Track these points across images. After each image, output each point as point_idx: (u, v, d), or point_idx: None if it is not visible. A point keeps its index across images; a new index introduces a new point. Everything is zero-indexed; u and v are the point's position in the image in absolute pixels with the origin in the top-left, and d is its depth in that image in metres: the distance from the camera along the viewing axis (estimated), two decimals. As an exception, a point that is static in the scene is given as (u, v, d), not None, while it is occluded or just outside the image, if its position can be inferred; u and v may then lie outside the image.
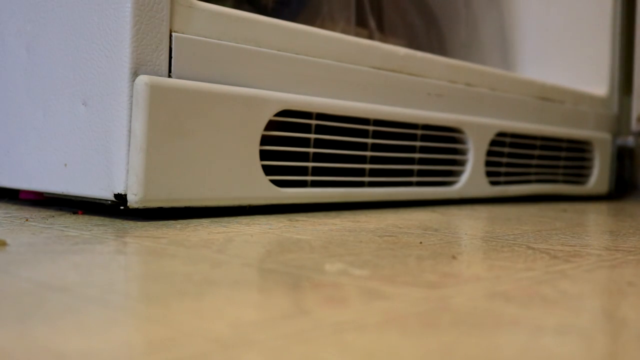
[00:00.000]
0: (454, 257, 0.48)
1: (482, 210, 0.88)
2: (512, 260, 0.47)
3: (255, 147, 0.70)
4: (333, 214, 0.74)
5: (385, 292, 0.35)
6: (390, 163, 0.89)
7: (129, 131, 0.60)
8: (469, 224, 0.72)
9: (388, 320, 0.30)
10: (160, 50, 0.62)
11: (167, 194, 0.62)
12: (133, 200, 0.60)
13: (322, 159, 0.80)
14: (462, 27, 1.32)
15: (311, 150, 0.77)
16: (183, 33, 0.64)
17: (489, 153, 1.04)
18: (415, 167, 0.91)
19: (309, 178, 0.77)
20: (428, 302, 0.34)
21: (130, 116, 0.60)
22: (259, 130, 0.70)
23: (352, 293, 0.35)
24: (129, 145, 0.60)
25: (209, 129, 0.65)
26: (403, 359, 0.25)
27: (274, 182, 0.73)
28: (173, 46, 0.63)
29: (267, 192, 0.71)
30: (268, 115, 0.71)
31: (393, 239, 0.55)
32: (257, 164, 0.70)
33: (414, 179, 0.92)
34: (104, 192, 0.62)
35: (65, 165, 0.65)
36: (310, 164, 0.77)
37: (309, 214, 0.72)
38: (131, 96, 0.60)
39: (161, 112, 0.61)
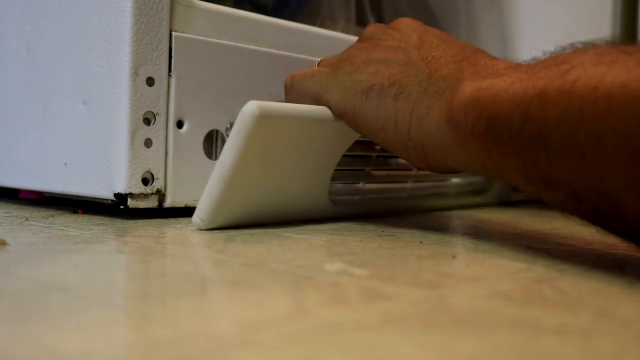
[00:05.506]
0: (454, 257, 0.48)
1: (482, 210, 0.88)
2: (512, 260, 0.47)
3: (255, 147, 0.69)
4: (333, 213, 0.74)
5: (385, 292, 0.35)
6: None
7: (129, 131, 0.60)
8: (469, 224, 0.72)
9: (388, 320, 0.30)
10: (160, 50, 0.62)
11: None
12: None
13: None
14: (462, 27, 1.32)
15: (311, 149, 0.77)
16: (183, 32, 0.64)
17: (489, 153, 1.04)
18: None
19: (309, 178, 0.77)
20: (428, 302, 0.34)
21: (130, 116, 0.60)
22: (259, 130, 0.70)
23: (352, 293, 0.35)
24: (128, 144, 0.60)
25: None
26: (403, 359, 0.25)
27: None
28: (173, 46, 0.63)
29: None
30: (268, 114, 0.71)
31: (393, 239, 0.55)
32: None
33: (414, 178, 0.91)
34: (104, 191, 0.62)
35: (65, 164, 0.65)
36: (310, 164, 0.77)
37: (309, 214, 0.72)
38: (130, 96, 0.60)
39: (161, 111, 0.61)
